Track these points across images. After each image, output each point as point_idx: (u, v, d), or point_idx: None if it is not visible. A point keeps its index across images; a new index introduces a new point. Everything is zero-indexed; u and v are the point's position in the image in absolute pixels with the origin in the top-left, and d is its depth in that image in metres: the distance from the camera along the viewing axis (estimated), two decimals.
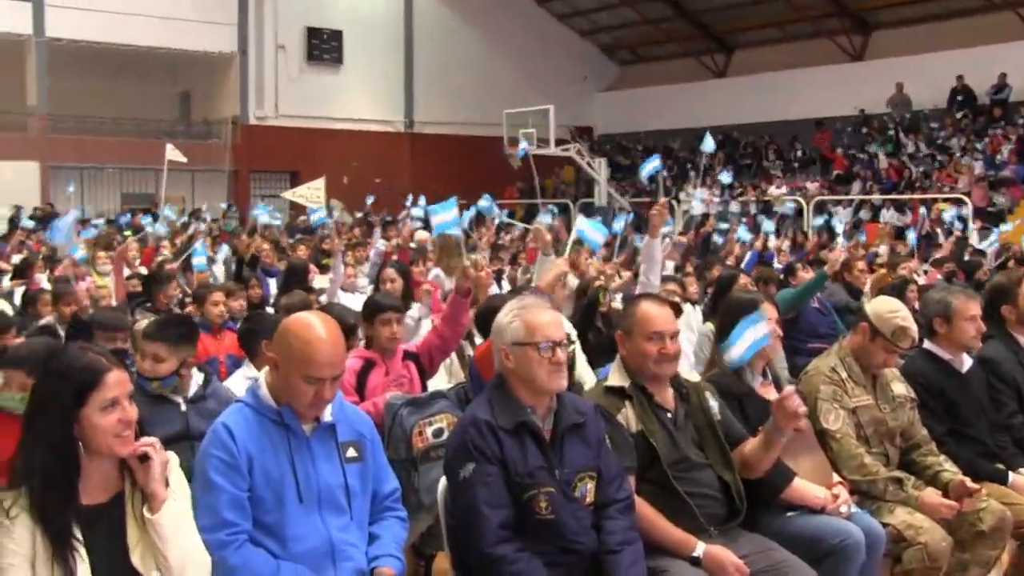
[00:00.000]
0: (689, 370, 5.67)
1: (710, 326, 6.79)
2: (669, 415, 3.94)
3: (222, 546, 3.06)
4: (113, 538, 2.78)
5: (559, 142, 26.67)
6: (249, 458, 3.16)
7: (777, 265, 11.72)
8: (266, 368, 3.35)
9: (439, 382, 5.64)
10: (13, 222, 20.94)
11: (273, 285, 10.06)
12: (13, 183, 25.72)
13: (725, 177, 19.84)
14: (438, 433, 4.58)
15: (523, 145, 17.06)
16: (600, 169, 27.89)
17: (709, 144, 9.92)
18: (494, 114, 28.13)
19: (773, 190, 25.47)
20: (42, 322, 7.24)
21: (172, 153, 13.18)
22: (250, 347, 5.54)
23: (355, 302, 7.46)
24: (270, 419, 3.25)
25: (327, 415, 3.31)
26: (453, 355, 5.90)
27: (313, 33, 30.80)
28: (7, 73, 26.51)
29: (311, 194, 10.58)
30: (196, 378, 4.62)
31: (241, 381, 5.15)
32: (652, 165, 9.04)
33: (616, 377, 4.00)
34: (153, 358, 4.44)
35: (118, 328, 5.86)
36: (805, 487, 4.15)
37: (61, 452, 2.70)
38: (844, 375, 4.63)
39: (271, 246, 12.41)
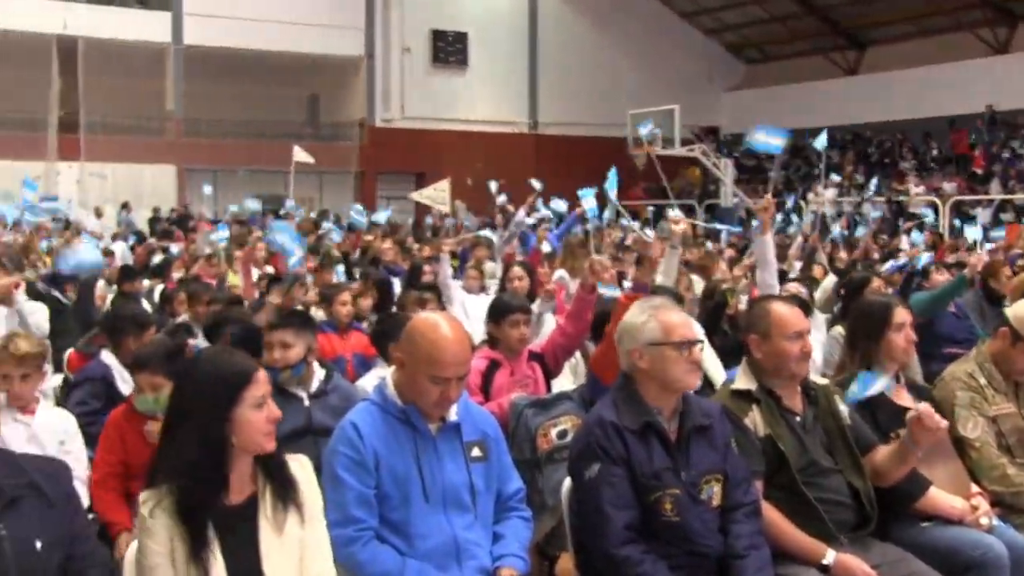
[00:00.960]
0: (816, 373, 5.53)
1: (839, 330, 6.61)
2: (798, 419, 3.85)
3: (350, 542, 3.12)
4: (247, 541, 2.82)
5: (684, 142, 26.40)
6: (376, 456, 3.21)
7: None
8: (393, 367, 3.40)
9: (564, 383, 5.62)
10: (153, 223, 21.71)
11: (397, 284, 10.16)
12: (152, 185, 26.80)
13: (872, 185, 19.37)
14: (562, 435, 4.57)
15: (644, 131, 16.76)
16: (726, 170, 27.50)
17: (822, 141, 9.64)
18: (618, 115, 27.98)
19: (913, 189, 24.70)
20: (178, 320, 7.46)
21: (299, 155, 13.45)
22: (382, 348, 5.63)
23: (481, 303, 7.46)
24: (396, 418, 3.30)
25: (452, 414, 3.34)
26: (579, 356, 5.88)
27: (438, 36, 31.16)
28: (148, 80, 27.49)
29: (437, 195, 10.65)
30: (318, 373, 4.69)
31: (374, 381, 5.22)
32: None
33: (743, 380, 3.93)
34: (281, 345, 4.53)
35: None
36: (941, 497, 3.99)
37: (214, 450, 2.75)
38: (983, 381, 4.43)
39: (397, 246, 12.57)
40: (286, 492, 2.86)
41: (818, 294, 8.44)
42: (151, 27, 27.47)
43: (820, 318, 7.89)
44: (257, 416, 2.78)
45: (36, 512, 2.59)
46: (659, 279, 7.22)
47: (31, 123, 26.24)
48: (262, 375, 2.84)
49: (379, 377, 5.20)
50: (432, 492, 3.24)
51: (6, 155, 24.71)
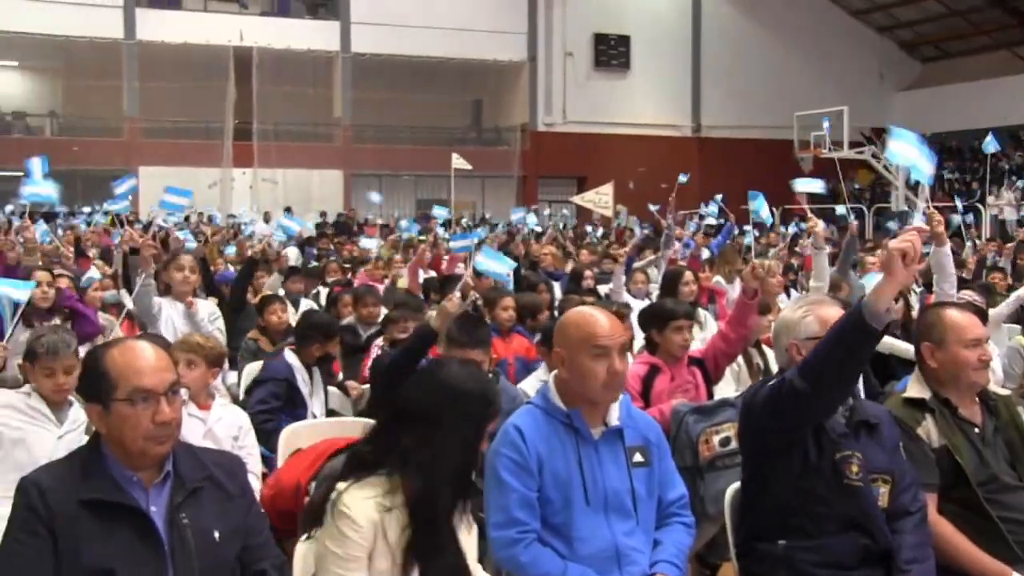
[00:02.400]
0: (996, 385, 5.25)
1: (1021, 340, 6.28)
2: (976, 430, 3.65)
3: (512, 544, 3.12)
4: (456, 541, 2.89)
5: (853, 144, 25.62)
6: (539, 459, 3.20)
7: None
8: (555, 372, 3.38)
9: (726, 389, 5.50)
10: (320, 227, 22.35)
11: (557, 289, 10.16)
12: (320, 190, 27.68)
13: None
14: (725, 442, 4.46)
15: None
16: (898, 173, 26.54)
17: (990, 145, 9.14)
18: (784, 116, 27.42)
19: None
20: (344, 322, 7.63)
21: (457, 162, 13.63)
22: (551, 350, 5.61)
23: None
24: (560, 421, 3.28)
25: (615, 419, 3.30)
26: (741, 362, 5.74)
27: (600, 39, 31.14)
28: (317, 88, 28.36)
29: (599, 199, 10.66)
30: None
31: (535, 384, 5.22)
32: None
33: (916, 388, 3.76)
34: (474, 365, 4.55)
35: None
36: None
37: (472, 460, 2.85)
38: None
39: (558, 250, 12.58)
40: (467, 493, 2.90)
41: (1004, 306, 7.97)
42: (321, 36, 28.38)
43: (1003, 328, 7.51)
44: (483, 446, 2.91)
45: (215, 504, 2.68)
46: (812, 282, 7.05)
47: (207, 131, 27.43)
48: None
49: (540, 380, 5.22)
50: (594, 497, 3.20)
51: (186, 162, 25.92)
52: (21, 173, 7.25)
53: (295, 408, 5.39)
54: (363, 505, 2.69)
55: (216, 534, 2.63)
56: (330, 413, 5.65)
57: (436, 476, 2.73)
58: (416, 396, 2.87)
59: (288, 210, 23.63)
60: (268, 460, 4.92)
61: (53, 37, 25.68)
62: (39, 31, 25.43)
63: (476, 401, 2.84)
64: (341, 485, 2.74)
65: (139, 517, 2.55)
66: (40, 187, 6.66)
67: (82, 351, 4.39)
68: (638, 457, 3.30)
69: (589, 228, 19.74)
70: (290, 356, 5.60)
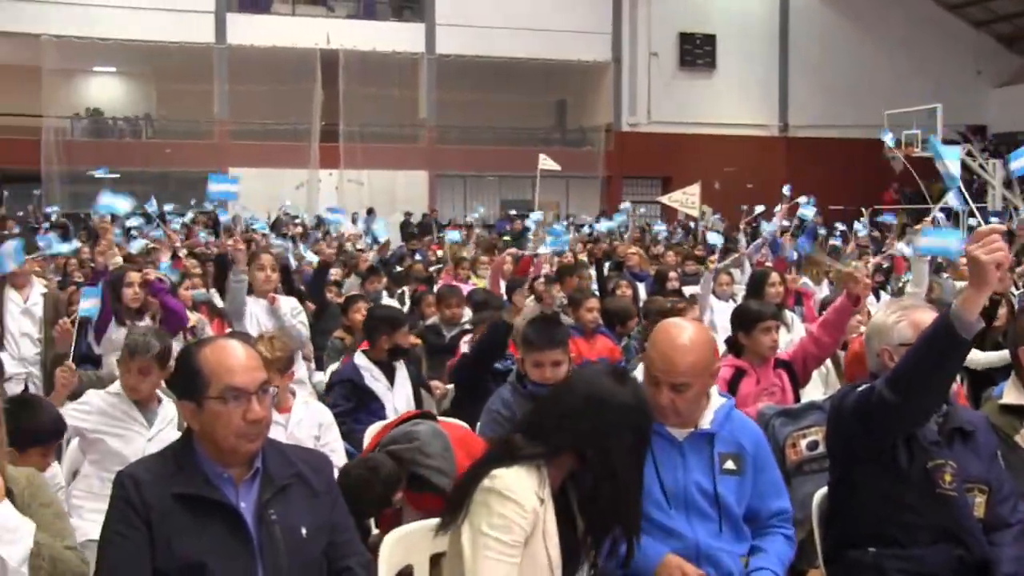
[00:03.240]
0: None
1: None
2: None
3: None
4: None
5: (947, 143, 24.98)
6: None
7: None
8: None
9: (813, 392, 5.41)
10: (404, 227, 22.51)
11: (642, 290, 10.11)
12: (405, 191, 27.93)
13: None
14: (812, 446, 4.38)
15: (888, 138, 15.90)
16: (994, 172, 25.84)
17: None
18: (874, 115, 26.87)
19: None
20: (428, 322, 7.68)
21: (545, 163, 13.62)
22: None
23: (728, 310, 7.28)
24: None
25: (706, 423, 3.25)
26: (829, 364, 5.65)
27: (686, 39, 30.91)
28: (402, 89, 28.61)
29: (686, 199, 10.57)
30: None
31: None
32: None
33: (1013, 394, 3.66)
34: (554, 365, 4.54)
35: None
36: None
37: (639, 475, 2.85)
38: None
39: (642, 251, 12.51)
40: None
41: None
42: (406, 38, 28.62)
43: None
44: None
45: (302, 500, 2.72)
46: (909, 287, 6.89)
47: (295, 133, 27.84)
48: None
49: None
50: (673, 496, 3.18)
51: (274, 163, 26.36)
52: (118, 176, 7.44)
53: (368, 406, 5.43)
54: (527, 492, 2.68)
55: (303, 530, 2.67)
56: None
57: (618, 489, 2.75)
58: (577, 395, 2.84)
59: (371, 211, 23.95)
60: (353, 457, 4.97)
61: (148, 43, 26.30)
62: (135, 38, 26.08)
63: (630, 412, 2.81)
64: (497, 471, 2.72)
65: (229, 513, 2.61)
66: (115, 200, 6.82)
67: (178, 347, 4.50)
68: (729, 464, 3.25)
69: (662, 228, 19.53)
70: (358, 357, 5.65)
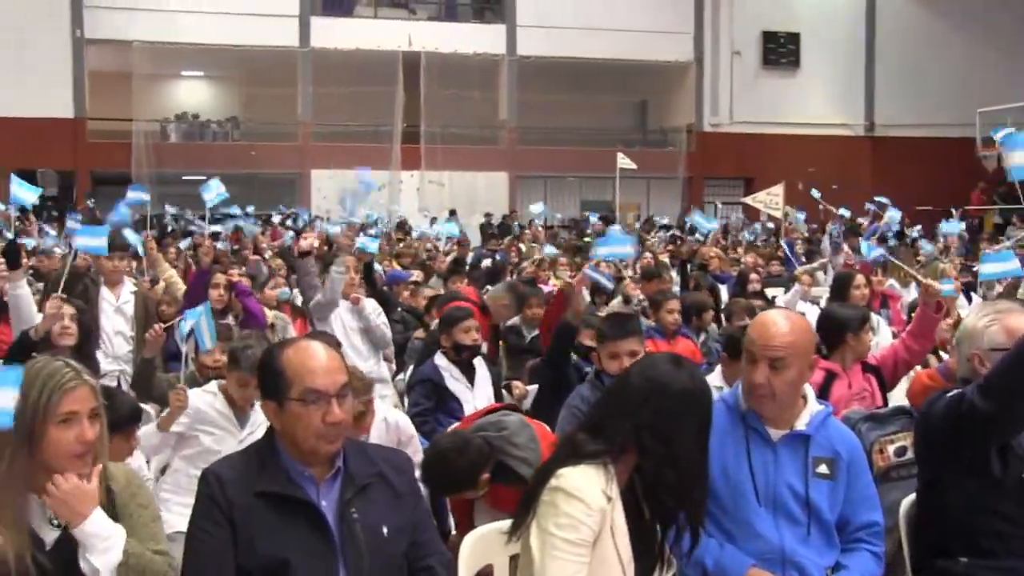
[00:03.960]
0: None
1: None
2: None
3: None
4: None
5: None
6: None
7: None
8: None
9: (899, 396, 5.30)
10: (484, 229, 22.56)
11: (724, 292, 10.01)
12: (486, 192, 28.01)
13: None
14: (900, 452, 4.28)
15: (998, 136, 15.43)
16: None
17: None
18: (965, 113, 26.27)
19: None
20: (508, 324, 7.68)
21: (623, 161, 13.57)
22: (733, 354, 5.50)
23: (812, 313, 7.16)
24: (740, 418, 3.24)
25: (802, 424, 3.21)
26: (918, 367, 5.52)
27: (769, 37, 30.52)
28: (483, 91, 28.71)
29: (770, 200, 10.44)
30: None
31: None
32: None
33: None
34: (630, 355, 4.53)
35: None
36: None
37: (704, 458, 2.84)
38: None
39: (722, 253, 12.39)
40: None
41: None
42: (487, 40, 28.70)
43: None
44: None
45: (384, 500, 2.74)
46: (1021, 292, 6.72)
47: (376, 135, 28.09)
48: None
49: (713, 387, 5.12)
50: (764, 496, 3.16)
51: (356, 165, 26.52)
52: (205, 178, 7.61)
53: (448, 406, 5.45)
54: (594, 491, 2.67)
55: (384, 530, 2.69)
56: None
57: (682, 474, 2.74)
58: (636, 387, 2.84)
59: (453, 213, 24.05)
60: None
61: (234, 47, 26.77)
62: (222, 42, 26.57)
63: (691, 397, 2.81)
64: (563, 470, 2.72)
65: (311, 511, 2.64)
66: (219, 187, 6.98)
67: None
68: (823, 468, 3.20)
69: (746, 233, 19.29)
70: (438, 357, 5.66)
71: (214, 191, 7.50)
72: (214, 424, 4.43)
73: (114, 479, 2.76)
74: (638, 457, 2.75)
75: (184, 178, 23.93)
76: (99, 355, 5.93)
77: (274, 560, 2.56)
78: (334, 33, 27.44)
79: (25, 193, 6.73)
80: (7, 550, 2.51)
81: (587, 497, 2.66)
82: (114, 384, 5.42)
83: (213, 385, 4.54)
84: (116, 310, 6.29)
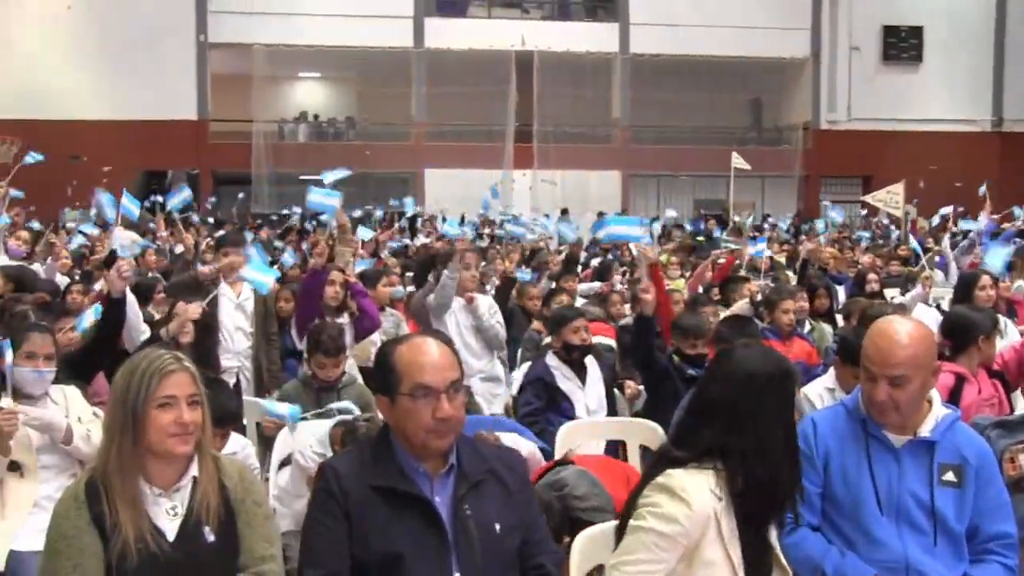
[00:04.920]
0: None
1: None
2: None
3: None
4: None
5: None
6: (827, 455, 3.14)
7: None
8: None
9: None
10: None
11: (842, 292, 9.78)
12: (598, 191, 27.91)
13: None
14: None
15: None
16: None
17: None
18: None
19: None
20: (621, 323, 7.65)
21: (737, 161, 13.38)
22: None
23: (929, 316, 6.93)
24: (861, 424, 3.16)
25: (926, 431, 3.11)
26: None
27: (890, 31, 29.77)
28: (597, 89, 28.66)
29: (890, 198, 10.20)
30: None
31: (817, 389, 5.01)
32: None
33: None
34: None
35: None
36: None
37: (792, 439, 2.79)
38: None
39: (838, 253, 12.12)
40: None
41: None
42: (600, 38, 28.67)
43: None
44: None
45: (496, 497, 2.75)
46: None
47: (489, 134, 28.28)
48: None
49: (825, 388, 5.00)
50: (887, 504, 3.07)
51: (468, 164, 26.86)
52: (320, 177, 7.71)
53: (559, 405, 5.43)
54: (701, 492, 2.65)
55: (497, 527, 2.70)
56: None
57: (768, 459, 2.69)
58: (713, 387, 2.81)
59: (565, 212, 24.03)
60: (550, 456, 4.99)
61: (350, 48, 27.26)
62: (338, 44, 27.08)
63: (778, 379, 2.76)
64: (672, 470, 2.71)
65: (425, 506, 2.65)
66: (325, 198, 7.00)
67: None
68: (949, 476, 3.09)
69: (865, 234, 18.77)
70: (549, 356, 5.64)
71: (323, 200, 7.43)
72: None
73: (227, 475, 2.83)
74: (726, 460, 2.71)
75: (301, 177, 24.43)
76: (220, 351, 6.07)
77: (389, 554, 2.59)
78: (448, 33, 27.72)
79: (131, 206, 6.95)
80: (127, 530, 2.61)
81: (691, 498, 2.63)
82: (233, 380, 5.53)
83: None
84: (236, 307, 6.39)
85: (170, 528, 2.70)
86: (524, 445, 4.45)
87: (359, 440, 4.26)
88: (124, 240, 10.97)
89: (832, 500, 3.10)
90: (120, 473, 2.66)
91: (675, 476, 2.68)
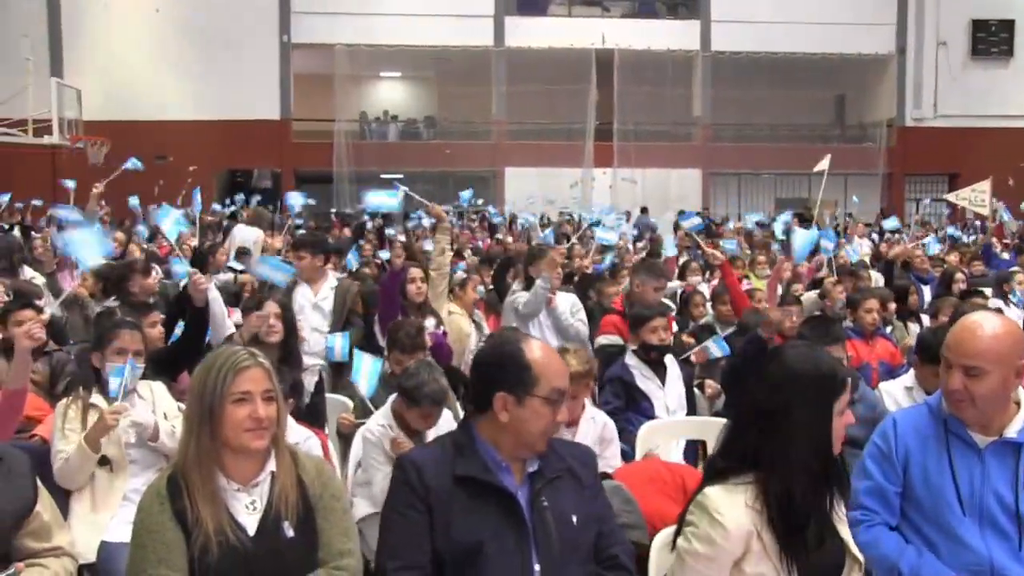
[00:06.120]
0: None
1: None
2: None
3: (853, 523, 3.05)
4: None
5: None
6: (907, 454, 3.12)
7: None
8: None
9: None
10: (676, 227, 22.27)
11: (927, 292, 9.61)
12: (678, 189, 27.74)
13: None
14: None
15: None
16: None
17: None
18: None
19: None
20: (700, 323, 7.62)
21: (822, 164, 13.19)
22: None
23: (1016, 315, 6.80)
24: (943, 423, 3.13)
25: (1013, 431, 3.06)
26: None
27: (979, 26, 29.05)
28: (676, 87, 28.48)
29: (975, 197, 10.00)
30: None
31: (897, 388, 4.97)
32: None
33: None
34: None
35: None
36: None
37: (822, 448, 2.70)
38: None
39: (921, 252, 11.88)
40: (834, 480, 2.77)
41: None
42: (681, 36, 28.46)
43: None
44: (839, 422, 2.74)
45: (571, 492, 2.82)
46: None
47: (569, 133, 28.27)
48: (849, 382, 2.80)
49: (904, 387, 4.95)
50: (970, 506, 3.03)
51: (548, 163, 26.89)
52: (402, 176, 7.80)
53: (639, 405, 5.43)
54: (735, 511, 2.66)
55: (574, 518, 2.77)
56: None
57: (789, 470, 2.64)
58: (756, 392, 2.78)
59: (644, 210, 23.93)
60: (630, 459, 5.00)
61: (431, 48, 27.46)
62: (418, 43, 27.29)
63: (813, 382, 2.69)
64: (708, 489, 2.73)
65: (506, 498, 2.72)
66: (383, 198, 7.10)
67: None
68: None
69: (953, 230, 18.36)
70: (629, 356, 5.63)
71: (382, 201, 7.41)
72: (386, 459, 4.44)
73: (304, 470, 2.89)
74: (759, 472, 2.69)
75: (382, 176, 24.67)
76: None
77: (470, 543, 2.65)
78: (528, 32, 27.76)
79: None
80: (207, 524, 2.67)
81: (726, 519, 2.64)
82: (315, 379, 5.62)
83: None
84: (314, 307, 6.45)
85: (250, 523, 2.75)
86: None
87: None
88: (247, 238, 11.20)
89: (912, 500, 3.08)
90: (199, 468, 2.72)
91: (710, 496, 2.69)
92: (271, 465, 2.82)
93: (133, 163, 9.63)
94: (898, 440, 3.13)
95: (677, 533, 2.80)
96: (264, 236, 11.82)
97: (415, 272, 6.56)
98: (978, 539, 3.00)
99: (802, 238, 6.41)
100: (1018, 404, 3.09)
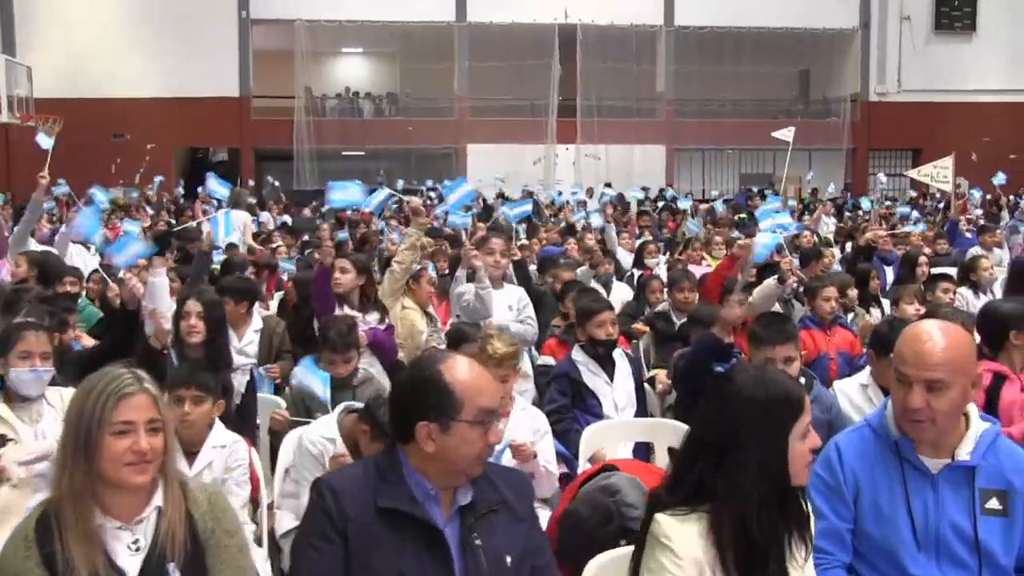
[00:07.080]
0: None
1: None
2: None
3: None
4: None
5: None
6: (856, 485, 2.87)
7: None
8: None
9: None
10: (642, 203, 22.15)
11: (890, 273, 9.47)
12: (642, 165, 27.61)
13: None
14: None
15: None
16: None
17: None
18: None
19: None
20: (656, 309, 7.41)
21: (781, 134, 13.05)
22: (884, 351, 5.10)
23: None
24: (893, 448, 2.89)
25: (964, 454, 2.83)
26: None
27: (942, 0, 28.99)
28: (641, 63, 28.32)
29: (937, 173, 9.89)
30: None
31: (853, 386, 4.76)
32: None
33: None
34: (785, 362, 4.23)
35: None
36: None
37: (774, 474, 2.50)
38: None
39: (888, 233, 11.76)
40: (792, 514, 2.56)
41: None
42: (644, 10, 28.21)
43: None
44: (801, 447, 2.52)
45: (507, 527, 2.60)
46: None
47: (532, 109, 28.05)
48: (807, 403, 2.57)
49: (860, 384, 4.74)
50: (924, 538, 2.81)
51: (511, 139, 26.68)
52: (363, 153, 7.52)
53: (586, 402, 5.18)
54: (686, 540, 2.47)
55: (508, 559, 2.55)
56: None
57: (743, 503, 2.44)
58: (704, 422, 2.59)
59: (608, 186, 23.74)
60: (568, 460, 4.81)
61: (392, 23, 27.08)
62: (380, 18, 26.91)
63: (764, 408, 2.48)
64: (659, 516, 2.53)
65: (432, 532, 2.50)
66: (347, 194, 6.83)
67: None
68: (993, 503, 2.82)
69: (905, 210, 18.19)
70: (576, 351, 5.39)
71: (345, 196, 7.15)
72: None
73: (195, 503, 2.62)
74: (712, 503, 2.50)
75: (343, 154, 24.37)
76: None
77: None
78: (490, 7, 27.42)
79: (220, 188, 6.76)
80: (79, 570, 2.40)
81: (676, 546, 2.46)
82: (246, 377, 5.34)
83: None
84: (238, 352, 6.11)
85: (131, 565, 2.48)
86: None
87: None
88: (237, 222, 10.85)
89: (864, 536, 2.85)
90: (73, 504, 2.43)
91: (661, 522, 2.51)
92: (157, 499, 2.54)
93: (43, 139, 9.09)
94: (844, 470, 2.88)
95: (633, 559, 2.61)
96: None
97: (339, 262, 6.21)
98: (935, 572, 2.80)
99: (762, 240, 6.19)
100: (967, 419, 2.87)
